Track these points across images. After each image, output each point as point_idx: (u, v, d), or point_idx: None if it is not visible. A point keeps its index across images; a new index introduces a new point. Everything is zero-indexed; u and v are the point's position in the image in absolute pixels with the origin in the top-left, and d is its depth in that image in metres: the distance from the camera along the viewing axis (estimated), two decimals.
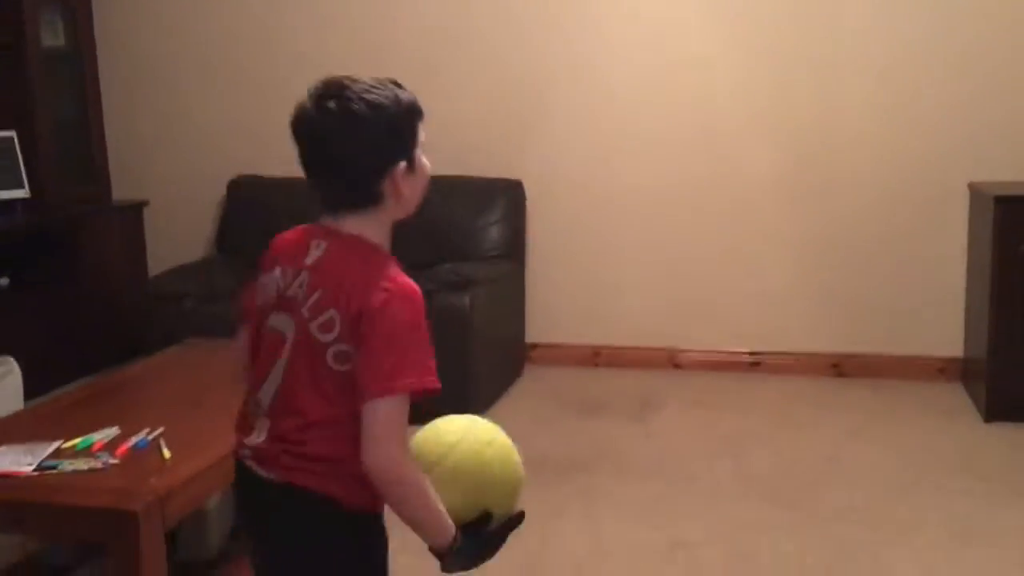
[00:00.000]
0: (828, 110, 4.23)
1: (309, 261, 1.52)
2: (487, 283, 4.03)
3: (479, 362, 3.88)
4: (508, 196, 4.46)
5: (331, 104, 1.47)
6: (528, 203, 4.58)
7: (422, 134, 1.56)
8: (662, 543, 2.86)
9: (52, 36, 4.67)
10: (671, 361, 4.56)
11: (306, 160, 1.53)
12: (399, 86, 1.55)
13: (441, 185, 4.44)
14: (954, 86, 4.09)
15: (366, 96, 1.48)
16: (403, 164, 1.51)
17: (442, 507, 1.47)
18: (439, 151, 4.77)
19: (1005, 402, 3.71)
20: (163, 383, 2.94)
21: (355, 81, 1.50)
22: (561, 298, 4.66)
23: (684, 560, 2.76)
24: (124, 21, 4.93)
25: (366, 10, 4.64)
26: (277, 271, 1.56)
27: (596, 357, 4.64)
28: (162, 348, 3.28)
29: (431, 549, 1.50)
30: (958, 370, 4.20)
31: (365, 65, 4.59)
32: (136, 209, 4.95)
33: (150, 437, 2.32)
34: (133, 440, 2.30)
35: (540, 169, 4.57)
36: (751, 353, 4.47)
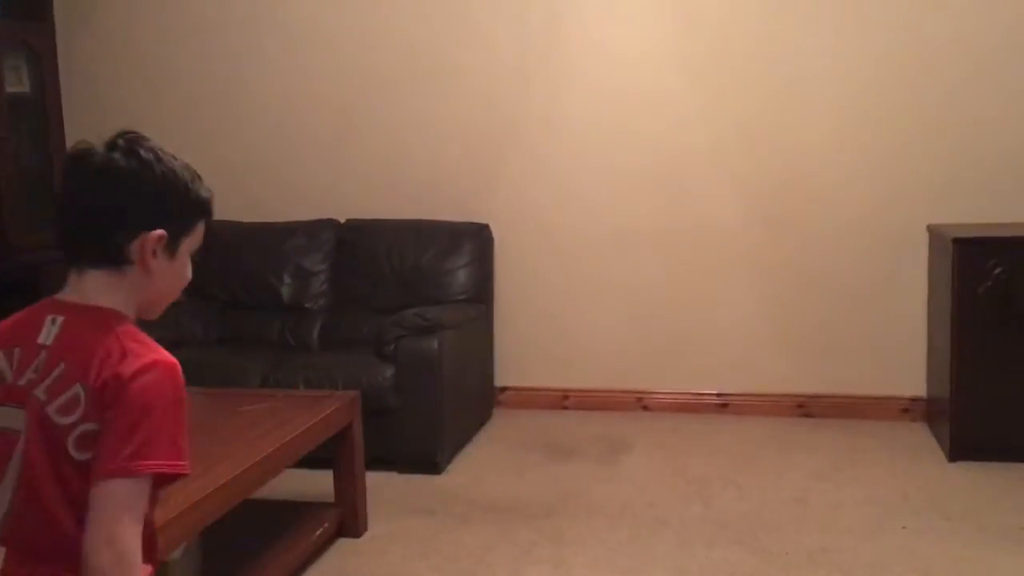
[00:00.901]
0: (791, 154, 4.31)
1: (46, 340, 1.31)
2: (455, 327, 4.03)
3: (448, 406, 3.86)
4: (475, 240, 4.48)
5: (120, 143, 1.35)
6: (496, 246, 4.60)
7: (197, 238, 1.44)
8: None
9: (16, 82, 4.65)
10: (639, 403, 4.57)
11: (65, 200, 1.36)
12: (201, 181, 1.44)
13: (408, 229, 4.51)
14: (913, 130, 4.18)
15: (160, 153, 1.37)
16: (162, 233, 1.36)
17: None
18: (405, 195, 4.85)
19: (968, 441, 3.75)
20: None
21: (159, 144, 1.39)
22: (529, 341, 4.67)
23: None
24: (90, 67, 4.92)
25: (334, 58, 4.66)
26: None
27: (565, 400, 4.64)
28: None
29: None
30: (922, 410, 4.25)
31: (332, 114, 4.63)
32: None
33: None
34: None
35: (507, 212, 4.60)
36: (719, 395, 4.49)
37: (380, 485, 3.62)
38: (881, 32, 4.16)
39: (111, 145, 1.35)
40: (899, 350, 4.27)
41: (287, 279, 4.47)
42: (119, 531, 1.22)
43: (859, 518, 3.29)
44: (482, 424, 4.44)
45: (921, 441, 4.02)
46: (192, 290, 5.26)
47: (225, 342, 4.36)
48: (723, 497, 3.52)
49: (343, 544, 3.20)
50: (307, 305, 4.47)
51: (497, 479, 3.78)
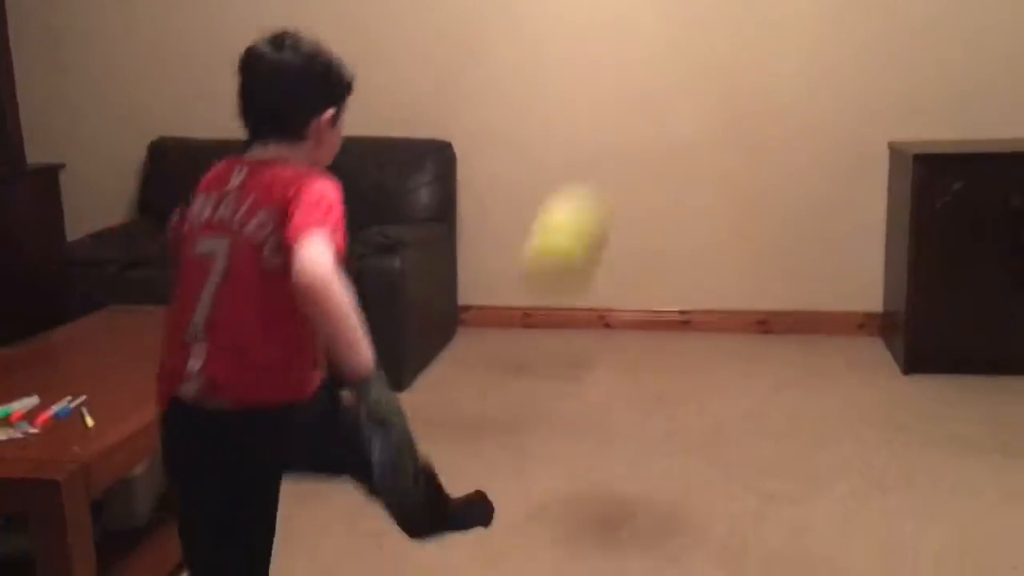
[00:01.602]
0: (755, 73, 4.27)
1: (234, 183, 1.65)
2: (417, 246, 4.00)
3: (411, 325, 3.86)
4: (437, 158, 4.42)
5: (288, 42, 1.68)
6: (458, 165, 4.55)
7: (344, 111, 1.75)
8: (595, 497, 2.90)
9: None
10: (602, 321, 4.60)
11: (248, 90, 1.69)
12: (344, 64, 1.76)
13: (368, 147, 4.43)
14: (875, 50, 4.16)
15: (318, 45, 1.72)
16: (332, 112, 1.71)
17: (364, 337, 1.51)
18: (365, 113, 4.71)
19: (921, 354, 3.83)
20: (84, 351, 2.87)
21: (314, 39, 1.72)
22: (492, 260, 4.65)
23: (616, 516, 2.81)
24: None
25: None
26: (199, 200, 1.68)
27: (528, 319, 4.66)
28: (82, 316, 3.18)
29: (347, 381, 1.52)
30: (878, 324, 4.32)
31: (292, 22, 4.50)
32: (51, 173, 4.78)
33: (72, 405, 2.26)
34: (54, 409, 2.24)
35: (470, 130, 4.53)
36: (681, 312, 4.53)
37: None
38: None
39: (278, 44, 1.67)
40: (858, 266, 4.32)
41: None
42: (325, 257, 1.47)
43: (816, 430, 3.37)
44: (445, 343, 4.46)
45: (877, 355, 4.11)
46: (147, 209, 5.13)
47: None
48: (684, 411, 3.58)
49: None
50: None
51: (460, 397, 3.81)
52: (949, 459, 3.10)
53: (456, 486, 3.00)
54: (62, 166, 4.81)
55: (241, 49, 1.69)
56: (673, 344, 4.36)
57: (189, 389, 1.57)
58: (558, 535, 2.70)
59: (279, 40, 1.68)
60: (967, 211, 3.69)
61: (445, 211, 4.44)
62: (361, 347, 1.51)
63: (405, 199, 4.32)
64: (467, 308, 4.70)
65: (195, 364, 1.57)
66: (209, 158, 1.76)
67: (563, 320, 4.62)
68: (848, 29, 4.17)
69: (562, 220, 2.56)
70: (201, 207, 1.66)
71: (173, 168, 4.49)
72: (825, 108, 4.24)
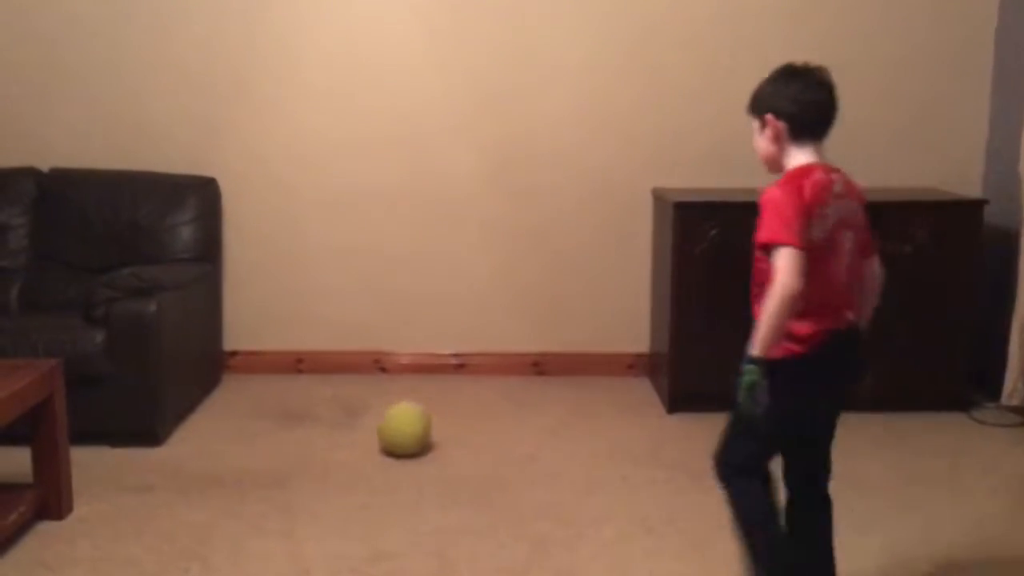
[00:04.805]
0: (528, 118, 4.34)
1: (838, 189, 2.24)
2: (176, 288, 3.74)
3: (168, 373, 3.60)
4: (201, 194, 4.18)
5: (820, 67, 2.27)
6: (224, 202, 4.33)
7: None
8: (363, 555, 2.78)
9: None
10: (377, 365, 4.50)
11: (826, 121, 2.25)
12: None
13: (124, 181, 4.14)
14: (642, 100, 4.33)
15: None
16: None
17: (777, 331, 2.14)
18: (122, 145, 4.45)
19: (683, 394, 3.99)
20: None
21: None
22: (262, 303, 4.45)
23: (385, 571, 2.70)
24: None
25: None
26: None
27: (299, 364, 4.48)
28: None
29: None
30: (645, 365, 4.48)
31: (34, 48, 4.15)
32: None
33: None
34: None
35: (237, 166, 4.34)
36: (455, 355, 4.50)
37: (90, 461, 3.32)
38: (622, 15, 4.26)
39: (833, 92, 2.24)
40: (626, 308, 4.47)
41: None
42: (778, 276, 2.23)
43: (584, 472, 3.41)
44: (209, 391, 4.20)
45: (644, 395, 4.24)
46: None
47: None
48: (457, 457, 3.53)
49: (43, 528, 2.90)
50: (3, 264, 4.00)
51: (224, 449, 3.58)
52: (708, 497, 3.20)
53: (213, 548, 2.79)
54: None
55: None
56: (449, 387, 4.31)
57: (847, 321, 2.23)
58: None
59: (832, 87, 2.23)
60: (723, 256, 3.89)
61: (209, 250, 4.20)
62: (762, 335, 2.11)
63: (164, 238, 4.06)
64: (234, 353, 4.46)
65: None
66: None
67: (337, 365, 4.47)
68: (616, 81, 4.32)
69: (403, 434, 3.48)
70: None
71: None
72: (594, 157, 4.37)
